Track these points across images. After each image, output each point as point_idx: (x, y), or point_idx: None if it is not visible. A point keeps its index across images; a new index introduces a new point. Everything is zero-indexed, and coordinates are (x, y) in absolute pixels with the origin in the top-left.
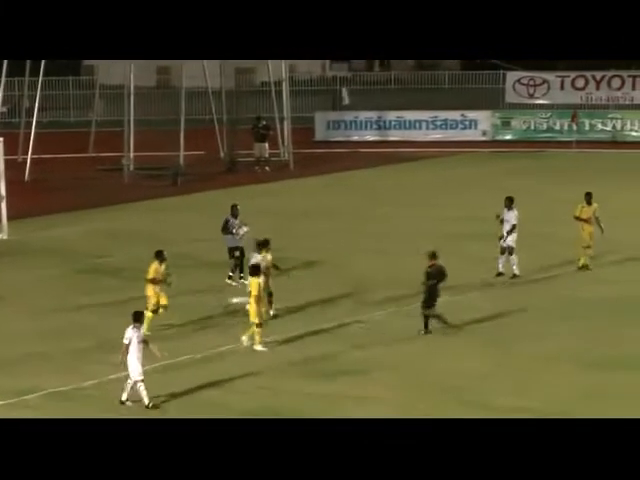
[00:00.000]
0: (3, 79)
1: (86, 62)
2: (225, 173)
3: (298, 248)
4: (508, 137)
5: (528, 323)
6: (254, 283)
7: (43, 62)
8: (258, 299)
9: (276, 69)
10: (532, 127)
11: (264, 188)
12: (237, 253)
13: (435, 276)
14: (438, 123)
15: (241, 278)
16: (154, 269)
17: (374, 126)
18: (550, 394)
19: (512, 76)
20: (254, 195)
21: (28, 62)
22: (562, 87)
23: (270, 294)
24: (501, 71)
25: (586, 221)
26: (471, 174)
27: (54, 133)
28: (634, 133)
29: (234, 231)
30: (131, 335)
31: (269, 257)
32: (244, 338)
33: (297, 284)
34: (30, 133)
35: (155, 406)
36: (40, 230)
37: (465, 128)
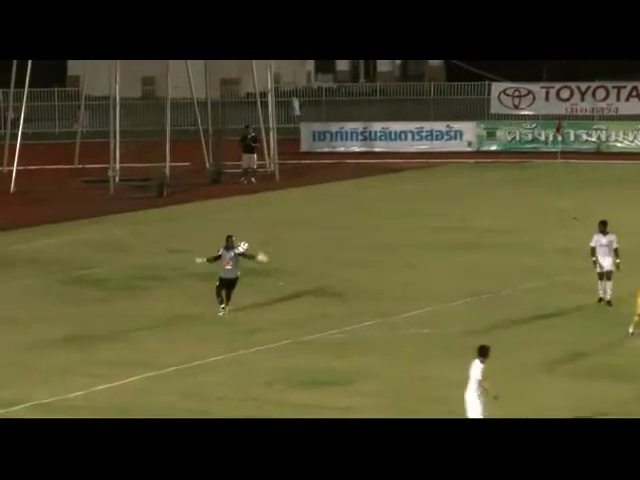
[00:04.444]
0: None
1: (71, 73)
2: (211, 184)
3: (284, 259)
4: (493, 148)
5: (515, 333)
6: None
7: (28, 73)
8: None
9: (261, 80)
10: (517, 138)
11: (250, 199)
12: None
13: None
14: (423, 134)
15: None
16: None
17: (360, 137)
18: (540, 404)
19: (497, 87)
20: (240, 206)
21: (13, 73)
22: (547, 98)
23: None
24: (486, 82)
25: None
26: (456, 185)
27: (39, 144)
28: (619, 144)
29: (227, 267)
30: (478, 371)
31: None
32: None
33: (282, 294)
34: (15, 144)
35: None
36: (25, 241)
37: (450, 139)
